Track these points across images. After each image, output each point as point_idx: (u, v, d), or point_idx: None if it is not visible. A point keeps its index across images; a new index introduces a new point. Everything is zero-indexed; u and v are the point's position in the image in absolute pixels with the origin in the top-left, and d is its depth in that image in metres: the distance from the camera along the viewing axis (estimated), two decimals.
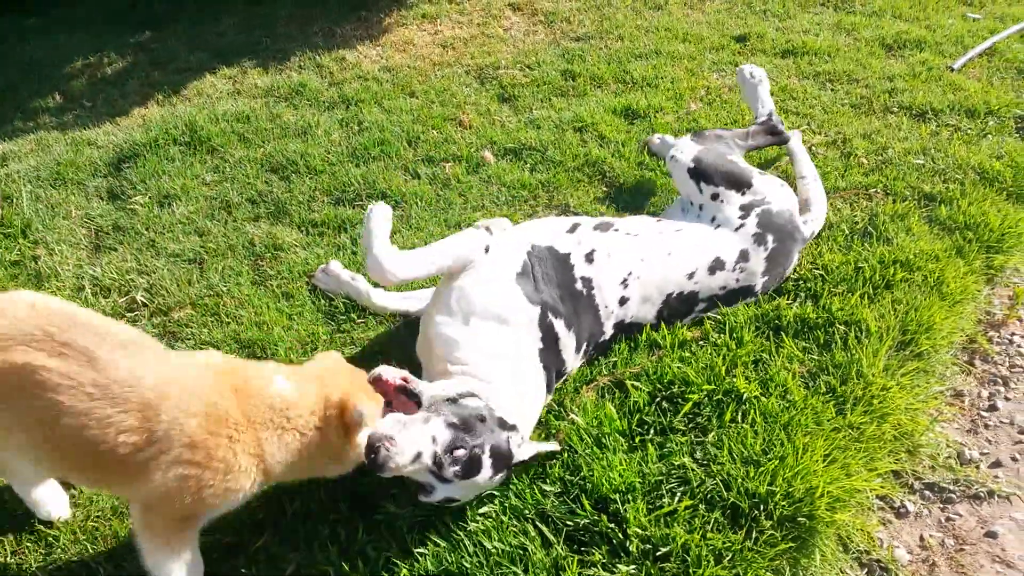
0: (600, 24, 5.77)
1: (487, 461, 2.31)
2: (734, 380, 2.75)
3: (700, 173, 3.27)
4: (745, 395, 2.69)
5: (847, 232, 3.49)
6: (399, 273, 2.66)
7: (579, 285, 2.85)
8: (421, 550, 2.31)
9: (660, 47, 5.30)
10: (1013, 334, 3.25)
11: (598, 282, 2.88)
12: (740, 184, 3.25)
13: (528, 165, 4.19)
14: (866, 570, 2.46)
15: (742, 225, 3.15)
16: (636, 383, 2.80)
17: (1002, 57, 4.73)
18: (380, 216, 2.68)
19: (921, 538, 2.56)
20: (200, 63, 5.70)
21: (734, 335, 2.97)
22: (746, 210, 3.18)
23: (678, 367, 2.82)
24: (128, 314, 3.39)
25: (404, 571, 2.27)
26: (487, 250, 2.82)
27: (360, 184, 4.09)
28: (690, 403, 2.68)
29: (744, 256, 3.09)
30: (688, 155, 3.33)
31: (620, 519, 2.35)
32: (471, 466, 2.27)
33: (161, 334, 3.26)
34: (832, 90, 4.62)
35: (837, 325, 2.96)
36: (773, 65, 4.97)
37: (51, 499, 2.51)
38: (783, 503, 2.34)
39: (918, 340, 2.93)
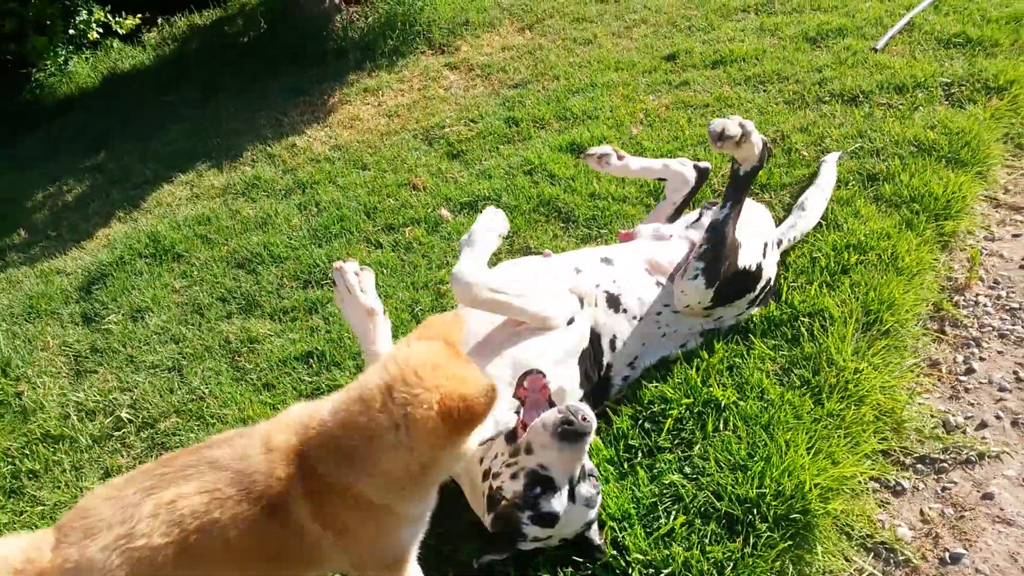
0: (535, 68, 5.93)
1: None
2: (711, 390, 2.78)
3: (720, 297, 2.95)
4: (723, 403, 2.73)
5: None
6: (481, 294, 2.54)
7: (603, 371, 2.87)
8: None
9: (595, 79, 5.44)
10: (977, 295, 3.30)
11: (616, 368, 2.89)
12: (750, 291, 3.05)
13: None
14: (872, 554, 2.46)
15: (741, 314, 3.11)
16: (616, 407, 2.83)
17: (920, 30, 4.86)
18: (489, 226, 2.64)
19: (921, 512, 2.57)
20: (156, 174, 5.83)
21: (704, 345, 3.01)
22: (752, 303, 3.10)
23: (655, 385, 2.86)
24: (116, 433, 3.42)
25: None
26: (570, 322, 2.74)
27: (325, 263, 4.16)
28: (671, 419, 2.71)
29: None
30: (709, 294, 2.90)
31: (621, 547, 2.37)
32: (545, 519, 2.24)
33: (150, 447, 3.30)
34: (765, 91, 4.74)
35: (801, 318, 3.01)
36: (705, 77, 5.11)
37: None
38: (775, 503, 2.36)
39: (882, 318, 2.97)
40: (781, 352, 2.93)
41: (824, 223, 3.50)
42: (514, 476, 2.29)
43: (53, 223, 5.62)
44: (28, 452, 3.42)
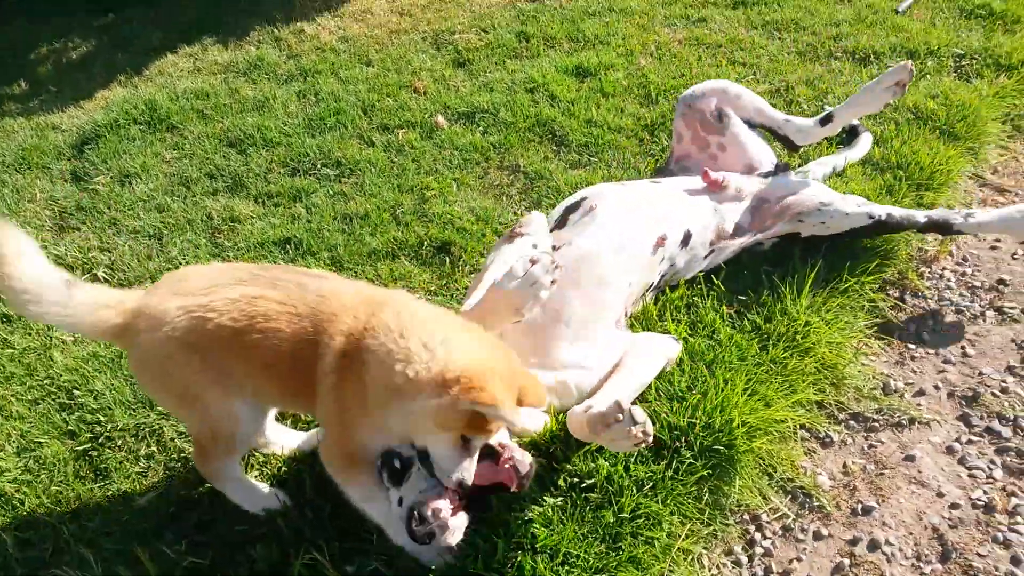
0: None
1: None
2: (665, 324, 2.86)
3: None
4: (675, 337, 2.81)
5: None
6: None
7: None
8: None
9: (613, 4, 5.35)
10: (944, 268, 3.36)
11: None
12: None
13: (480, 128, 4.28)
14: (789, 496, 2.59)
15: None
16: None
17: None
18: None
19: (844, 465, 2.68)
20: (162, 42, 5.77)
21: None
22: None
23: None
24: None
25: None
26: None
27: (316, 154, 4.18)
28: None
29: None
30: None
31: (552, 456, 2.48)
32: None
33: None
34: (780, 39, 4.67)
35: (765, 266, 3.07)
36: (724, 17, 5.02)
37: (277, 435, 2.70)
38: (703, 434, 2.47)
39: (843, 276, 3.03)
40: (739, 297, 3.00)
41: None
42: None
43: (56, 79, 5.59)
44: (2, 299, 3.52)
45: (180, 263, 3.55)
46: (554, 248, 2.73)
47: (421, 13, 5.68)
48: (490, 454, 2.18)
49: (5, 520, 2.62)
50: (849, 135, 3.74)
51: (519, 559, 2.19)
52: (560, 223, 2.93)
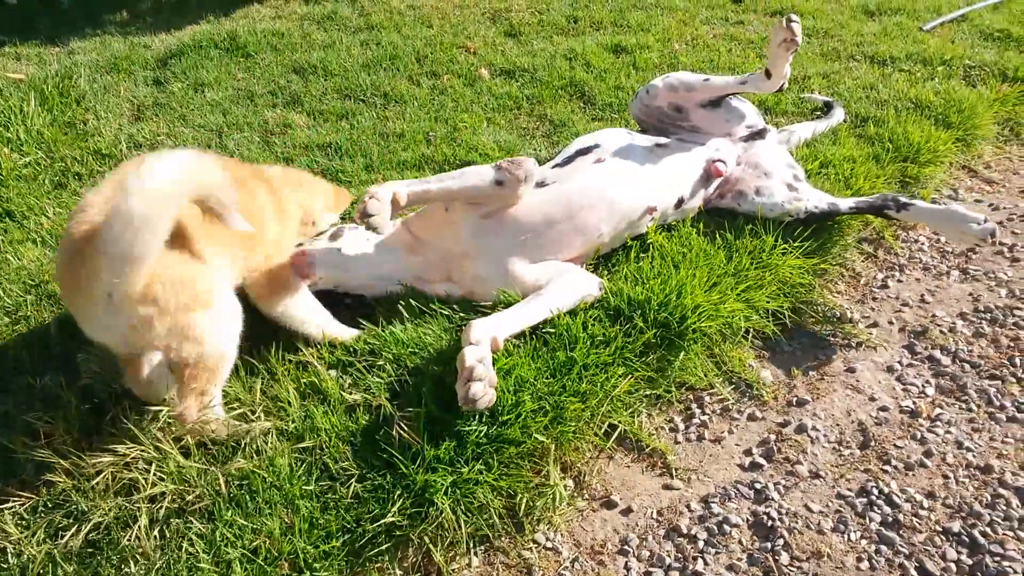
0: None
1: None
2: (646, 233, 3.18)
3: None
4: (650, 242, 3.12)
5: None
6: None
7: None
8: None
9: (660, 2, 5.76)
10: (920, 236, 3.61)
11: None
12: None
13: (518, 83, 4.69)
14: (732, 386, 2.86)
15: None
16: None
17: (971, 23, 5.05)
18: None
19: (789, 370, 2.95)
20: None
21: None
22: None
23: None
24: None
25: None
26: None
27: (368, 86, 4.65)
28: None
29: None
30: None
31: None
32: None
33: None
34: (807, 42, 5.01)
35: None
36: (761, 22, 5.39)
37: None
38: (657, 308, 2.76)
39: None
40: (715, 218, 3.30)
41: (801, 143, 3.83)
42: None
43: (153, 14, 6.24)
44: (79, 159, 4.02)
45: (232, 152, 4.00)
46: (544, 184, 3.04)
47: None
48: None
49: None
50: (826, 108, 4.10)
51: None
52: (567, 162, 3.24)
